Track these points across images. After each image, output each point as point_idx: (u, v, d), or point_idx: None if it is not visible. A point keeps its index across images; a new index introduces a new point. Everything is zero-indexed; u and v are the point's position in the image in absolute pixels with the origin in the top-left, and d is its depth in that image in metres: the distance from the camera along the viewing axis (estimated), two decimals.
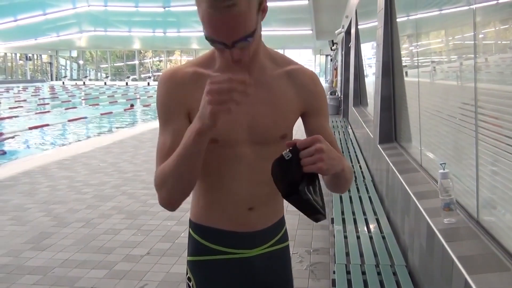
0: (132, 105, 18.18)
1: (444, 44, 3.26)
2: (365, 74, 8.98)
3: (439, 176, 2.21)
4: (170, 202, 1.22)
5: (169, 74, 1.27)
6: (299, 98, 1.32)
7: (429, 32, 3.72)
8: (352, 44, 10.52)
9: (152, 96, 27.34)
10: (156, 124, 13.47)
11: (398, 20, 4.61)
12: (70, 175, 6.71)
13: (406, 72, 4.31)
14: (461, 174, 2.54)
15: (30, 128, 12.83)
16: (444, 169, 2.21)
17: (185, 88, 1.25)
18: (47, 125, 13.74)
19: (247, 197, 1.34)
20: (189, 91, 1.24)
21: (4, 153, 10.49)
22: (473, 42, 2.30)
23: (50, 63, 49.40)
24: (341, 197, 4.42)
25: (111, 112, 17.78)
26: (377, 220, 3.74)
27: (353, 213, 4.03)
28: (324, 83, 26.44)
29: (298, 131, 1.50)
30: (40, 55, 47.46)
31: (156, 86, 1.31)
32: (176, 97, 1.25)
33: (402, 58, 4.53)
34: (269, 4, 1.21)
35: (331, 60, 30.40)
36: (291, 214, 4.76)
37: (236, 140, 1.29)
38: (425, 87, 3.56)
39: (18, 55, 44.33)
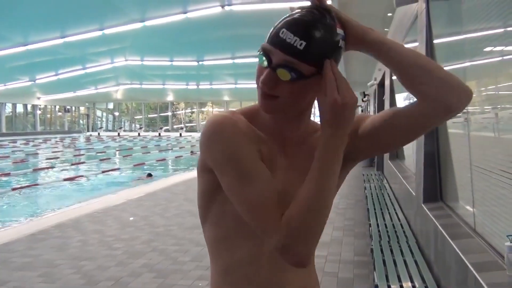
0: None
1: (504, 90, 3.02)
2: None
3: (507, 250, 1.98)
4: (310, 247, 1.00)
5: (233, 122, 1.08)
6: None
7: (481, 78, 3.52)
8: (387, 97, 10.39)
9: (184, 147, 27.65)
10: (188, 175, 13.13)
11: None
12: (101, 229, 6.63)
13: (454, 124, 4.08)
14: None
15: (65, 180, 13.02)
16: (511, 242, 1.97)
17: (246, 136, 1.08)
18: (81, 176, 13.93)
19: None
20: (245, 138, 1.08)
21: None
22: None
23: (87, 115, 51.24)
24: (384, 260, 4.13)
25: (143, 163, 17.95)
26: None
27: (399, 279, 3.72)
28: None
29: None
30: (78, 107, 49.33)
31: (210, 134, 1.07)
32: (249, 142, 1.07)
33: None
34: None
35: (362, 111, 30.33)
36: (329, 276, 4.48)
37: None
38: (478, 140, 3.32)
39: (57, 107, 46.17)
